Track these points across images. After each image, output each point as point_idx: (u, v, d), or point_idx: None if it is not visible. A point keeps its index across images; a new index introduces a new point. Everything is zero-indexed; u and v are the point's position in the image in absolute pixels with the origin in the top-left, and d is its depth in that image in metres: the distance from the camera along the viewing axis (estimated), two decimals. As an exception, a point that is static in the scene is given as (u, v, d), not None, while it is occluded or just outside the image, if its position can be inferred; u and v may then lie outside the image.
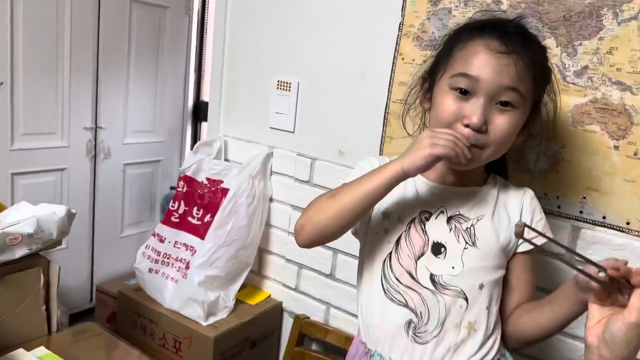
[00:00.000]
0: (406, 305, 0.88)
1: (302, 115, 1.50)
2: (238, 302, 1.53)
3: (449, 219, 0.90)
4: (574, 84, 1.07)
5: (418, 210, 0.91)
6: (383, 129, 1.34)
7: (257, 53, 1.58)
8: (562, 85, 1.07)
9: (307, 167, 1.48)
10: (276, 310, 1.58)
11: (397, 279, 0.89)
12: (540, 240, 0.86)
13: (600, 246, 1.07)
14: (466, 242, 0.89)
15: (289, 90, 1.48)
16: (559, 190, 1.11)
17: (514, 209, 0.93)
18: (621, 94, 1.02)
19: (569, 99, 1.07)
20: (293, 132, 1.51)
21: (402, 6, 1.27)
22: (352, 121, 1.40)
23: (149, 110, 2.62)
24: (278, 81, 1.51)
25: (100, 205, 2.39)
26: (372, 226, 0.94)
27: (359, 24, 1.36)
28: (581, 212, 1.09)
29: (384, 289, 0.90)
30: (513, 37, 0.82)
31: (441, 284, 0.87)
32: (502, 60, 0.80)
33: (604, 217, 1.06)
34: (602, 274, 0.66)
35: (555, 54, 1.08)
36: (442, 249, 0.89)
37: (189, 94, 2.76)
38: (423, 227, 0.90)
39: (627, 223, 1.04)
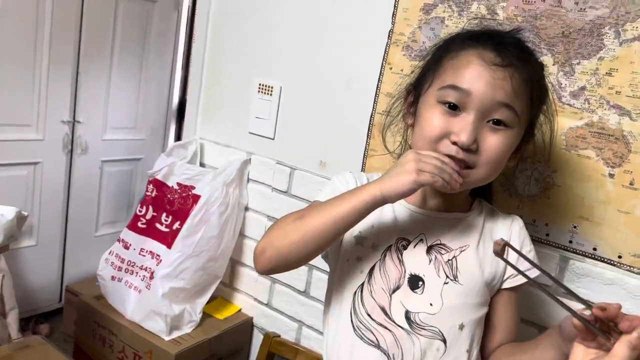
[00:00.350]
0: (377, 346, 0.79)
1: (283, 121, 1.42)
2: (206, 315, 1.45)
3: (429, 249, 0.82)
4: (569, 105, 1.00)
5: (395, 237, 0.83)
6: (367, 142, 1.27)
7: (239, 53, 1.50)
8: (558, 105, 1.00)
9: (286, 176, 1.41)
10: (246, 326, 1.50)
11: (368, 314, 0.80)
12: (531, 273, 0.77)
13: (590, 279, 1.00)
14: (447, 276, 0.80)
15: (271, 94, 1.41)
16: (548, 217, 1.04)
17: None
18: (619, 118, 0.95)
19: (563, 121, 1.00)
20: (273, 138, 1.43)
21: (393, 12, 1.20)
22: (335, 131, 1.33)
23: (131, 106, 2.53)
24: (260, 84, 1.43)
25: (75, 202, 2.29)
26: (344, 252, 0.85)
27: (346, 30, 1.29)
28: (571, 241, 1.02)
29: (353, 325, 0.81)
30: (510, 49, 0.75)
31: (417, 323, 0.79)
32: (497, 73, 0.73)
33: (595, 249, 0.99)
34: (587, 312, 0.61)
35: (551, 72, 1.01)
36: (420, 283, 0.80)
37: (174, 92, 2.68)
38: (400, 256, 0.81)
39: (619, 257, 0.97)
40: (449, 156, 0.74)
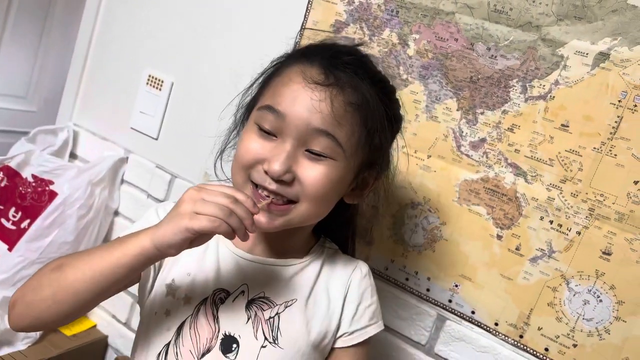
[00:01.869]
0: None
1: (170, 121, 1.26)
2: (51, 330, 1.25)
3: (249, 303, 0.69)
4: (467, 155, 0.93)
5: (213, 288, 0.69)
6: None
7: (132, 36, 1.32)
8: (455, 154, 0.93)
9: (165, 184, 1.24)
10: (99, 346, 1.31)
11: None
12: (374, 328, 0.75)
13: (464, 344, 0.93)
14: (265, 338, 0.68)
15: (160, 89, 1.24)
16: (431, 271, 0.96)
17: (337, 290, 0.74)
18: (515, 178, 0.89)
19: (459, 172, 0.93)
20: (156, 139, 1.27)
21: (302, 24, 1.08)
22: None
23: (24, 73, 2.26)
24: (149, 76, 1.26)
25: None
26: (152, 303, 0.70)
27: (251, 34, 1.15)
28: (450, 301, 0.95)
29: None
30: (340, 67, 0.65)
31: None
32: (316, 93, 0.63)
33: (473, 312, 0.93)
34: None
35: (454, 117, 0.93)
36: (234, 346, 0.67)
37: (77, 65, 2.42)
38: (215, 311, 0.68)
39: (496, 324, 0.91)
40: (263, 187, 0.65)
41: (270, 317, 0.68)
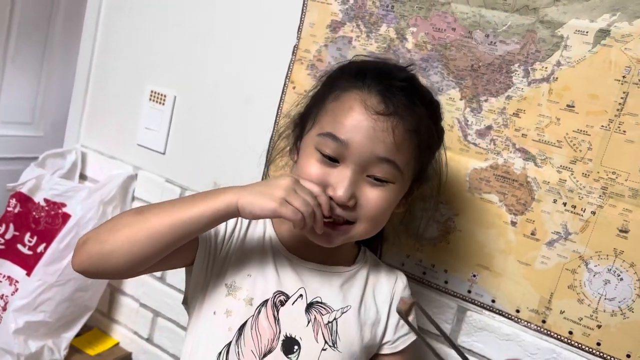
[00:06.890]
0: None
1: (175, 135, 1.26)
2: (75, 350, 1.26)
3: (308, 307, 0.73)
4: (475, 144, 0.92)
5: (273, 290, 0.72)
6: (266, 166, 1.14)
7: (131, 54, 1.33)
8: (462, 144, 0.93)
9: (176, 196, 1.25)
10: (123, 363, 1.32)
11: None
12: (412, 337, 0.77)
13: (487, 334, 0.93)
14: (325, 342, 0.72)
15: (163, 103, 1.25)
16: (448, 263, 0.96)
17: (383, 301, 0.79)
18: (524, 163, 0.88)
19: (468, 161, 0.92)
20: (163, 153, 1.27)
21: (299, 27, 1.08)
22: (232, 151, 1.19)
23: (28, 99, 2.28)
24: (152, 91, 1.27)
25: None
26: (209, 302, 0.73)
27: (249, 40, 1.16)
28: (469, 291, 0.94)
29: None
30: (397, 94, 0.68)
31: None
32: (379, 124, 0.66)
33: (493, 301, 0.92)
34: None
35: (458, 107, 0.93)
36: (296, 347, 0.70)
37: (80, 87, 2.44)
38: (276, 313, 0.71)
39: (517, 311, 0.90)
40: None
41: (329, 322, 0.72)
